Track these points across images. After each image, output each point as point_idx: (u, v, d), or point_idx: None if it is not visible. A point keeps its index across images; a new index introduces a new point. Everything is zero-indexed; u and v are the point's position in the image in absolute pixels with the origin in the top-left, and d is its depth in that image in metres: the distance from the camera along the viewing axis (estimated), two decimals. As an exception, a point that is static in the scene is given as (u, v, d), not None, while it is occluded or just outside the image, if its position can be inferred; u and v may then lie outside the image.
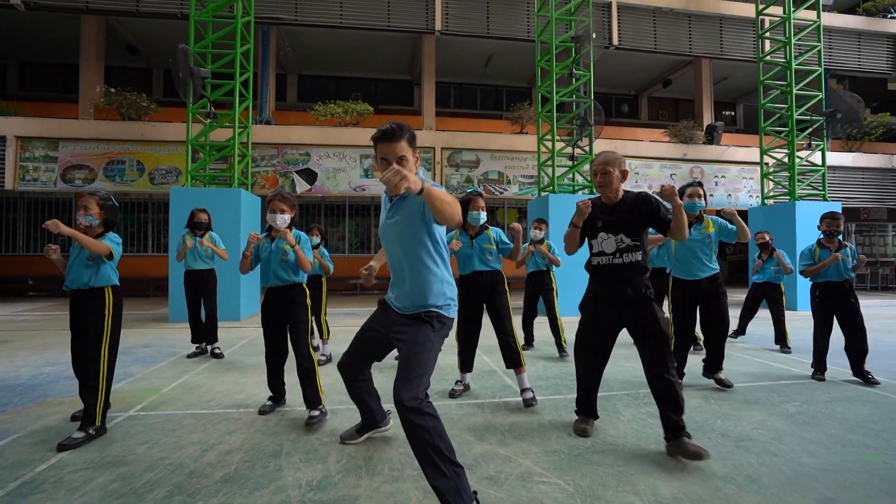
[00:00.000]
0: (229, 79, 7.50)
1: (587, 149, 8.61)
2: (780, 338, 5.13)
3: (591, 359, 2.68)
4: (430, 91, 11.43)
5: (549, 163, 8.46)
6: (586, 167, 8.76)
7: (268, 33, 10.56)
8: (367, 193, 9.98)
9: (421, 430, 1.68)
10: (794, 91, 9.28)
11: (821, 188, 9.55)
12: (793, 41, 9.39)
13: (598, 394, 2.78)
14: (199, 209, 4.69)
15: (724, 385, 3.55)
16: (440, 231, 1.91)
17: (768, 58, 10.22)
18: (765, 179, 9.90)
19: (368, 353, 2.22)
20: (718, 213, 3.66)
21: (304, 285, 3.03)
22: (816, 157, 9.75)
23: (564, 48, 8.70)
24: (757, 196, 11.15)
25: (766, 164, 9.97)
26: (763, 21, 10.34)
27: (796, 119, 9.33)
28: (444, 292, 1.91)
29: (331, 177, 9.57)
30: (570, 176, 8.82)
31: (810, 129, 9.46)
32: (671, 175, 11.05)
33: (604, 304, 2.57)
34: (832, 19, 11.73)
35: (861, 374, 3.72)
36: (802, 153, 9.70)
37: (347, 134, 9.85)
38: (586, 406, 2.73)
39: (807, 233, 8.89)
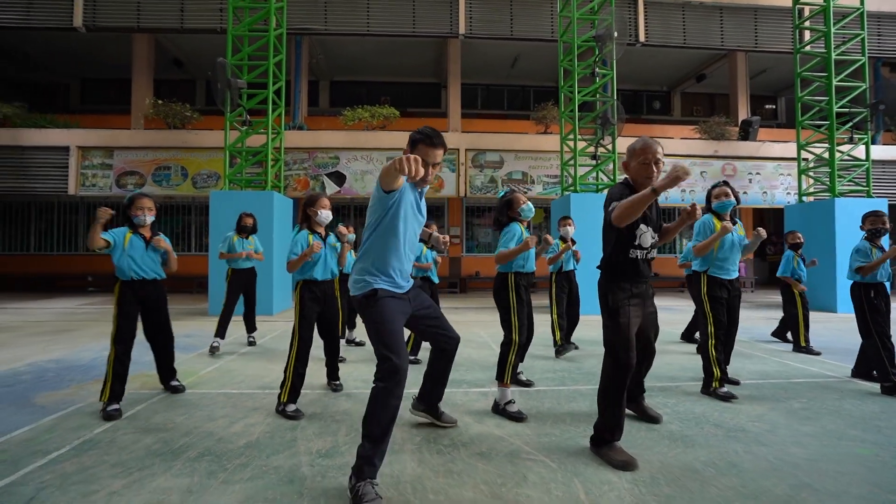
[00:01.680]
0: (264, 88, 7.99)
1: (610, 147, 8.57)
2: (794, 335, 5.02)
3: (630, 362, 2.29)
4: (455, 93, 11.64)
5: (572, 162, 8.49)
6: (610, 166, 8.73)
7: (300, 43, 11.08)
8: (394, 194, 10.29)
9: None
10: (835, 83, 8.89)
11: (864, 184, 9.09)
12: (833, 30, 8.99)
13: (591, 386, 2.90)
14: (247, 214, 4.94)
15: (732, 382, 3.57)
16: None
17: (808, 48, 9.82)
18: (802, 176, 9.52)
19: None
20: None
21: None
22: (860, 152, 9.28)
23: (587, 48, 8.71)
24: (795, 193, 10.70)
25: (805, 159, 9.58)
26: (802, 10, 9.94)
27: (837, 112, 8.94)
28: None
29: (359, 179, 9.96)
30: (594, 175, 8.82)
31: (852, 122, 9.02)
32: (701, 173, 10.78)
33: (639, 299, 2.37)
34: (881, 4, 11.08)
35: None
36: (844, 147, 9.26)
37: (374, 137, 10.22)
38: (618, 426, 2.30)
39: (847, 231, 8.48)
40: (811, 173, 9.69)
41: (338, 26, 10.12)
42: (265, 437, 2.52)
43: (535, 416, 2.87)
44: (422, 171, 1.74)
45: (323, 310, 3.13)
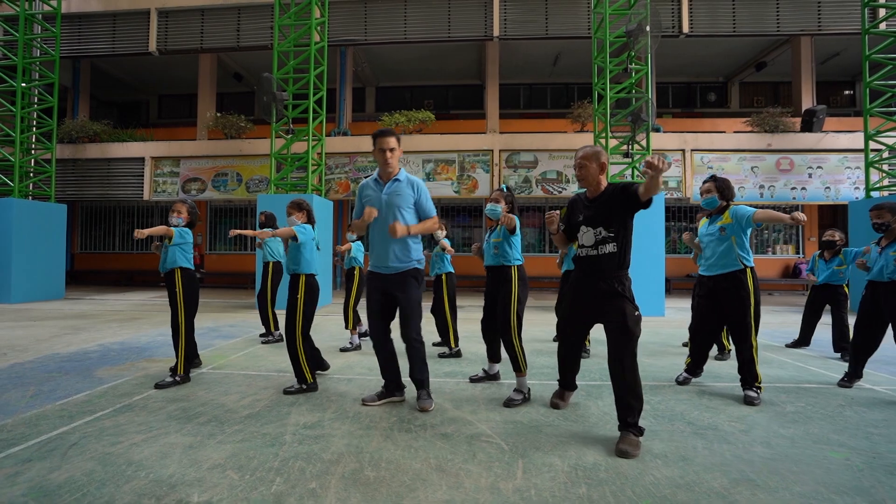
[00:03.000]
0: (307, 99, 8.63)
1: (643, 143, 8.35)
2: (842, 342, 4.68)
3: (568, 343, 2.87)
4: (493, 94, 11.78)
5: (603, 160, 8.36)
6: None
7: (344, 53, 11.75)
8: (431, 195, 10.64)
9: (416, 349, 2.95)
10: (907, 65, 8.05)
11: (944, 177, 8.15)
12: (906, 7, 8.15)
13: (594, 382, 3.01)
14: (262, 212, 5.50)
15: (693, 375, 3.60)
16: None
17: (882, 26, 8.95)
18: (871, 168, 8.69)
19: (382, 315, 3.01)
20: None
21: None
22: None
23: (622, 43, 8.53)
24: (863, 187, 9.75)
25: (877, 150, 8.73)
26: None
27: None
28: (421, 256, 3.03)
29: (395, 181, 10.40)
30: (630, 172, 8.62)
31: (928, 109, 8.13)
32: (752, 168, 10.13)
33: (582, 295, 2.66)
34: (974, -26, 9.79)
35: None
36: (920, 137, 8.36)
37: (411, 141, 10.62)
38: (564, 380, 2.97)
39: (920, 229, 7.67)
40: (884, 166, 8.81)
41: (377, 36, 10.64)
42: (265, 410, 2.91)
43: (513, 407, 3.03)
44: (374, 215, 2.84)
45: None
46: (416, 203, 2.93)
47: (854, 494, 1.94)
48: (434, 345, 4.84)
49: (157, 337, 5.33)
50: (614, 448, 2.33)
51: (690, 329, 3.62)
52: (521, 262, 3.35)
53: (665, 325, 6.80)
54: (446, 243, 4.62)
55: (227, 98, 14.42)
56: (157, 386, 3.33)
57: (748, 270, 3.23)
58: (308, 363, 3.29)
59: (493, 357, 3.56)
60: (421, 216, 2.96)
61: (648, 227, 7.74)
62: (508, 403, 3.02)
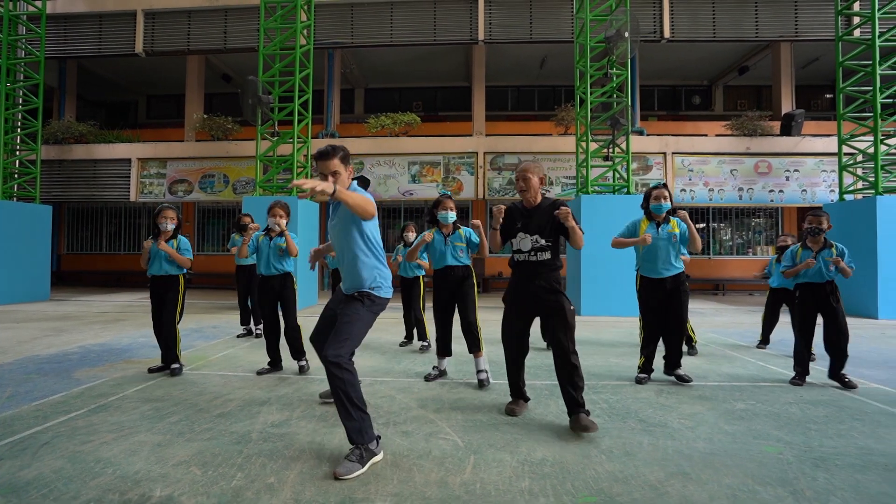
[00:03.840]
0: (293, 101, 8.71)
1: (623, 147, 8.52)
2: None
3: (513, 344, 3.02)
4: (479, 97, 11.92)
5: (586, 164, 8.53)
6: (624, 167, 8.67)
7: (332, 55, 11.83)
8: (415, 197, 10.78)
9: (336, 379, 2.18)
10: (879, 71, 8.28)
11: (914, 180, 8.38)
12: (878, 14, 8.37)
13: (553, 381, 3.17)
14: (244, 214, 5.71)
15: (684, 380, 3.67)
16: (370, 228, 2.40)
17: (857, 33, 9.17)
18: (843, 172, 8.92)
19: (329, 327, 2.75)
20: (674, 212, 3.74)
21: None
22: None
23: (603, 48, 8.69)
24: (838, 190, 10.00)
25: (850, 154, 8.96)
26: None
27: (886, 103, 8.33)
28: (375, 277, 2.39)
29: (381, 183, 10.52)
30: (611, 175, 8.79)
31: (899, 114, 8.37)
32: (731, 171, 10.35)
33: (521, 295, 2.93)
34: (946, -18, 10.06)
35: (837, 376, 3.61)
36: (892, 141, 8.60)
37: (396, 143, 10.73)
38: (517, 391, 3.09)
39: (890, 231, 7.92)
40: (857, 169, 9.04)
41: (363, 39, 10.73)
42: (236, 409, 3.02)
43: (475, 406, 3.16)
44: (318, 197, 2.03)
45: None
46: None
47: (777, 485, 2.08)
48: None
49: (139, 339, 5.41)
50: (572, 429, 2.67)
51: (648, 328, 3.79)
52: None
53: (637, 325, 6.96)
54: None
55: (215, 99, 14.44)
56: (173, 373, 3.81)
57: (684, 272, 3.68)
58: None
59: (448, 351, 3.87)
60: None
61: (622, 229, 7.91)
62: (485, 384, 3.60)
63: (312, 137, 9.83)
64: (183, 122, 12.29)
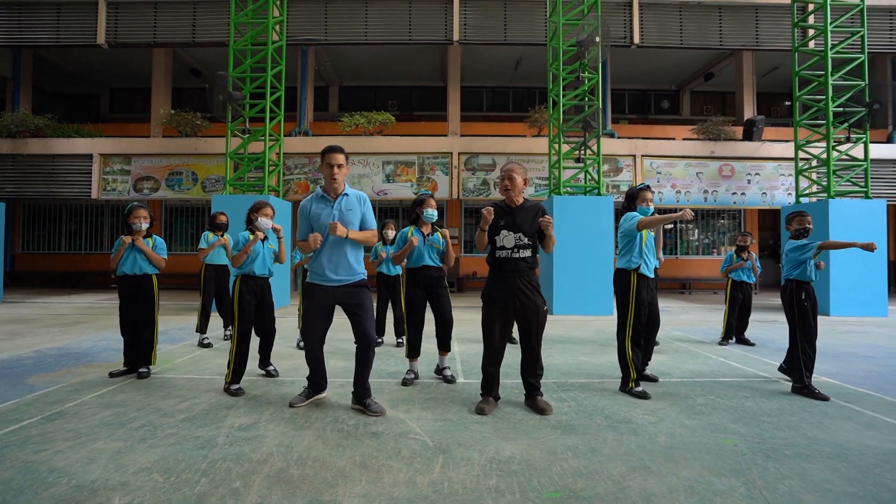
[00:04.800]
0: (264, 98, 8.53)
1: (595, 149, 8.71)
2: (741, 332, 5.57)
3: (494, 340, 3.07)
4: (454, 98, 11.96)
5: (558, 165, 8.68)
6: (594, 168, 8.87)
7: (306, 52, 11.64)
8: (390, 197, 10.73)
9: (372, 352, 3.05)
10: (831, 81, 8.73)
11: (863, 184, 8.89)
12: (830, 27, 8.83)
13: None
14: (220, 212, 5.49)
15: (650, 379, 3.79)
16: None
17: (811, 45, 9.64)
18: (800, 176, 9.38)
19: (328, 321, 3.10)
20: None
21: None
22: (861, 151, 9.07)
23: (575, 52, 8.85)
24: (794, 194, 10.50)
25: (805, 159, 9.43)
26: (807, 7, 9.79)
27: (839, 111, 8.79)
28: (361, 264, 3.09)
29: (356, 182, 10.42)
30: (582, 176, 8.97)
31: (849, 122, 8.85)
32: (697, 174, 10.72)
33: (501, 291, 3.03)
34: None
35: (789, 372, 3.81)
36: (843, 147, 9.09)
37: (371, 142, 10.65)
38: (489, 388, 3.15)
39: (841, 233, 8.37)
40: (812, 174, 9.53)
41: (337, 36, 10.60)
42: (202, 413, 2.95)
43: (446, 405, 3.18)
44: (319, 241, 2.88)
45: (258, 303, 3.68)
46: (362, 217, 3.06)
47: (731, 476, 2.18)
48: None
49: (100, 342, 5.20)
50: (529, 407, 3.07)
51: (637, 330, 3.58)
52: None
53: (610, 324, 7.14)
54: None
55: (184, 94, 13.98)
56: (140, 376, 3.72)
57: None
58: None
59: (419, 352, 3.85)
60: (363, 228, 3.09)
61: (598, 230, 8.11)
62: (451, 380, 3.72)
63: (285, 135, 9.66)
64: (149, 117, 11.85)
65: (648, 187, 3.76)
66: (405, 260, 3.85)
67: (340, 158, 2.96)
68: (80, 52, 12.01)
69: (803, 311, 3.59)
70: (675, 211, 3.40)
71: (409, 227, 3.85)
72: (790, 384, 3.70)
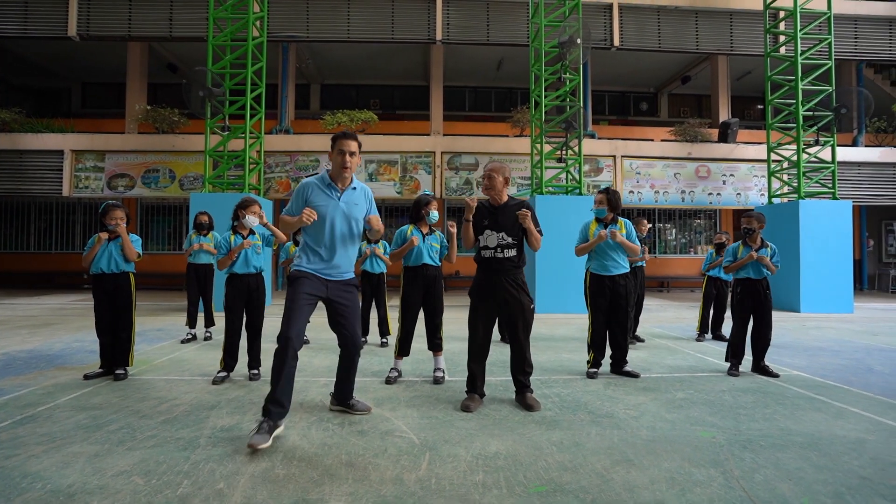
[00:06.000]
0: (244, 95, 8.38)
1: (576, 149, 8.83)
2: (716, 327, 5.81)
3: (479, 337, 3.11)
4: (437, 97, 11.96)
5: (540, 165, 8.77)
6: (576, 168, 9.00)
7: (287, 49, 11.47)
8: (374, 195, 10.66)
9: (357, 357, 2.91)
10: (801, 86, 9.06)
11: (830, 186, 9.24)
12: (799, 34, 9.16)
13: (509, 377, 3.24)
14: (202, 212, 5.43)
15: (632, 375, 3.88)
16: None
17: (782, 50, 9.98)
18: (772, 177, 9.70)
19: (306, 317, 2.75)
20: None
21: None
22: (830, 154, 9.43)
23: (557, 53, 8.97)
24: (767, 194, 10.86)
25: (777, 161, 9.76)
26: (778, 14, 10.13)
27: (809, 115, 9.13)
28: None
29: (338, 181, 10.32)
30: (564, 177, 9.09)
31: (818, 125, 9.19)
32: (675, 174, 10.98)
33: (487, 290, 3.07)
34: (857, 7, 11.16)
35: (760, 368, 3.95)
36: (812, 149, 9.44)
37: (355, 141, 10.56)
38: (474, 385, 3.17)
39: (810, 232, 8.69)
40: (783, 175, 9.87)
41: (319, 33, 10.48)
42: (183, 414, 2.89)
43: (431, 403, 3.19)
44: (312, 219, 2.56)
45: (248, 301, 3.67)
46: (367, 212, 2.86)
47: (710, 467, 2.25)
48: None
49: (73, 343, 5.04)
50: (518, 404, 3.09)
51: (596, 326, 3.95)
52: None
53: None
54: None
55: (160, 89, 13.63)
56: (117, 378, 3.61)
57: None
58: None
59: (408, 352, 3.82)
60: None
61: (574, 229, 8.20)
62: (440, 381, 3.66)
63: (266, 133, 9.51)
64: (123, 113, 11.48)
65: (607, 189, 3.96)
66: (401, 259, 3.83)
67: (353, 146, 2.68)
68: (50, 44, 11.57)
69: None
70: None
71: (408, 225, 3.81)
72: (763, 378, 3.87)
